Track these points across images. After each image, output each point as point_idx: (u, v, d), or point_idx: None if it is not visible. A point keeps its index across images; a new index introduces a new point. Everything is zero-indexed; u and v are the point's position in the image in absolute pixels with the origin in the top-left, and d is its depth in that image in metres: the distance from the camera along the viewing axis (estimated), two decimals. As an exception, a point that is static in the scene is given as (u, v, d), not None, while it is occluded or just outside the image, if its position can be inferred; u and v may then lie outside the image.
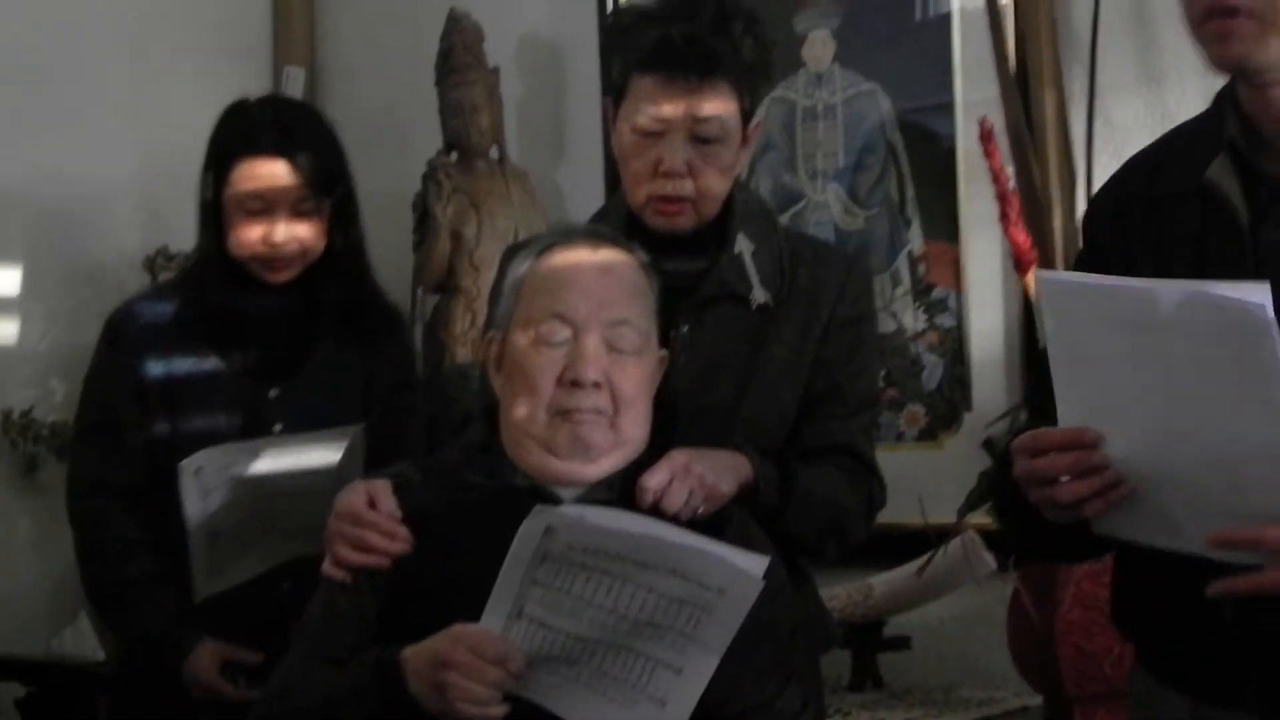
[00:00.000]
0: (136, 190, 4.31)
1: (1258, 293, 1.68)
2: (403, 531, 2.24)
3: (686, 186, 2.49)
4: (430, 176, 4.04)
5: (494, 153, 4.14)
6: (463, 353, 3.99)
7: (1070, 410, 1.88)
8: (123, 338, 3.00)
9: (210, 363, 2.97)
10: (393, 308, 3.21)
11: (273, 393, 2.97)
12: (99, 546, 2.97)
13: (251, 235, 2.92)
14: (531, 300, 2.28)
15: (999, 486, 2.19)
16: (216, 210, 2.96)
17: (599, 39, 4.07)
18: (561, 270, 2.29)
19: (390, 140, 4.38)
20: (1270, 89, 1.94)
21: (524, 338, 2.27)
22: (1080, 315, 1.84)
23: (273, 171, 2.91)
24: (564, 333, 2.24)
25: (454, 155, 4.11)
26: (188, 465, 2.77)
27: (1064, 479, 1.87)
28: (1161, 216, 2.04)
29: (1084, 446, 1.85)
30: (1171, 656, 2.03)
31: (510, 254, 2.56)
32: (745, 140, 2.55)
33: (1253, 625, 1.87)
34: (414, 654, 2.07)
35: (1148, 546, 1.89)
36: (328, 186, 2.95)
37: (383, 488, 2.29)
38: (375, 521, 2.24)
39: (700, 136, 2.48)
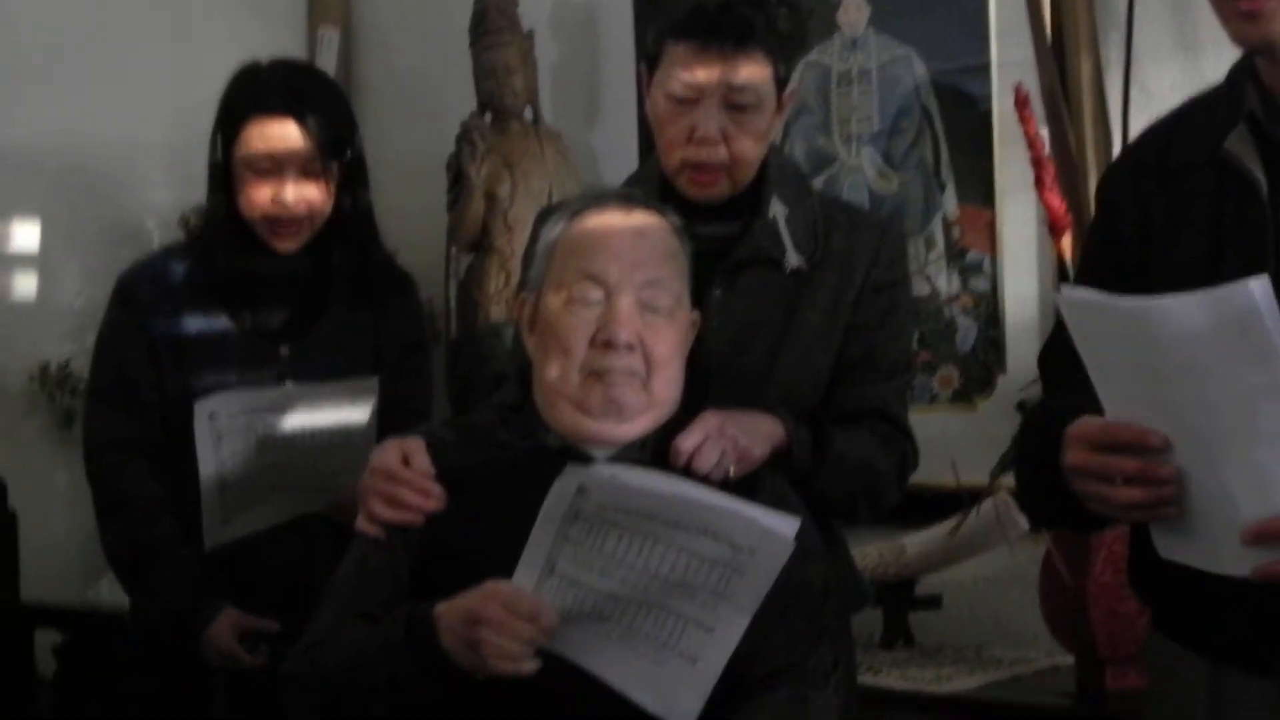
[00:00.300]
0: (171, 149, 4.33)
1: (1252, 282, 1.67)
2: (436, 489, 2.25)
3: (720, 153, 2.49)
4: (464, 137, 4.05)
5: (528, 114, 4.15)
6: (496, 312, 4.00)
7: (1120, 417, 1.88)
8: (134, 298, 3.02)
9: (221, 322, 2.99)
10: (402, 271, 3.22)
11: (284, 351, 2.99)
12: (118, 507, 2.98)
13: (261, 195, 2.93)
14: (565, 262, 2.29)
15: (1023, 457, 2.19)
16: (226, 171, 2.97)
17: (633, 3, 4.08)
18: (595, 232, 2.30)
19: (424, 102, 4.40)
20: None
21: (557, 299, 2.28)
22: (1102, 331, 1.84)
23: (283, 132, 2.92)
24: (597, 294, 2.25)
25: (488, 116, 4.12)
26: (202, 408, 2.78)
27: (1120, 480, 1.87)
28: (1177, 186, 2.04)
29: (1151, 451, 1.84)
30: (1190, 619, 2.03)
31: (543, 216, 2.56)
32: (780, 107, 2.54)
33: (1278, 590, 1.85)
34: (447, 610, 2.08)
35: (1197, 570, 1.89)
36: (337, 149, 2.96)
37: (417, 446, 2.31)
38: (409, 479, 2.26)
39: (735, 104, 2.48)
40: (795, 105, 2.66)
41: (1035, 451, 2.05)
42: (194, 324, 2.97)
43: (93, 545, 4.09)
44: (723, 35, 2.45)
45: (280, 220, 2.94)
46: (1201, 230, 2.00)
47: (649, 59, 2.57)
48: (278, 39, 4.51)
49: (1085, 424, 1.91)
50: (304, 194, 2.93)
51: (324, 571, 2.86)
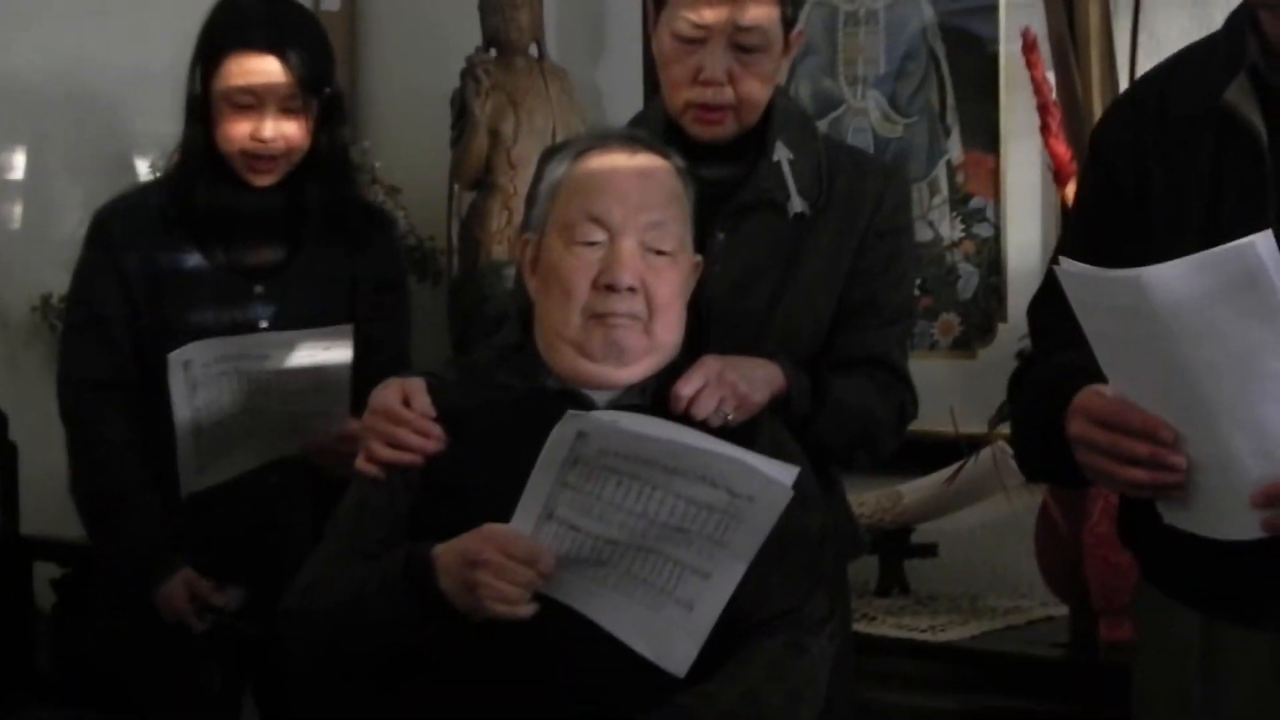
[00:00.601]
0: (171, 77, 4.26)
1: (1256, 239, 1.66)
2: (436, 430, 2.26)
3: (727, 94, 2.48)
4: (469, 73, 4.02)
5: (533, 50, 4.12)
6: (498, 250, 3.99)
7: (1123, 393, 1.87)
8: (107, 235, 3.01)
9: (195, 259, 2.98)
10: (379, 208, 3.23)
11: (258, 289, 2.98)
12: (89, 448, 2.99)
13: (239, 130, 2.92)
14: (568, 203, 2.29)
15: (1021, 412, 2.18)
16: (204, 104, 2.96)
17: (641, -61, 4.06)
18: (598, 174, 2.29)
19: (429, 36, 4.37)
20: None
21: (559, 241, 2.27)
22: (1101, 303, 1.82)
23: (264, 67, 2.91)
24: (600, 236, 2.24)
25: (493, 52, 4.09)
26: (176, 358, 2.77)
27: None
28: (1176, 137, 2.02)
29: (1161, 442, 1.82)
30: (1182, 573, 2.02)
31: (547, 157, 2.55)
32: (787, 48, 2.53)
33: (1275, 541, 1.84)
34: (445, 551, 2.09)
35: (1204, 536, 1.88)
36: (317, 86, 2.95)
37: (417, 386, 2.31)
38: (409, 419, 2.26)
39: (741, 45, 2.46)
40: (801, 46, 2.64)
41: (1035, 408, 2.04)
42: (168, 260, 2.97)
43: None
44: None
45: (258, 155, 2.94)
46: (1201, 182, 1.98)
47: None
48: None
49: (1093, 398, 1.90)
50: (283, 130, 2.93)
51: (298, 513, 2.90)
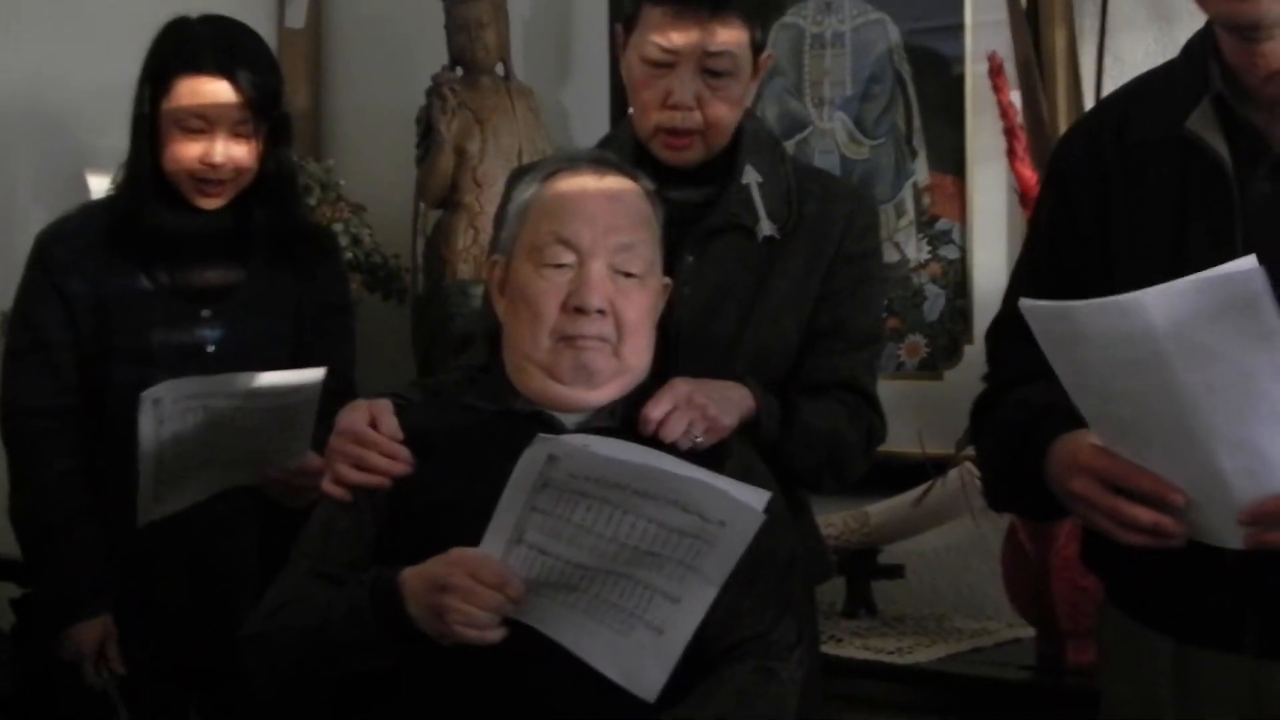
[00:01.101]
0: (126, 99, 4.28)
1: (1244, 264, 1.66)
2: (404, 452, 2.25)
3: (695, 119, 2.48)
4: (435, 91, 4.01)
5: (499, 70, 4.12)
6: (464, 269, 3.98)
7: (1104, 431, 1.86)
8: (51, 258, 2.98)
9: (141, 281, 2.96)
10: (325, 231, 3.23)
11: (205, 312, 2.96)
12: (30, 476, 2.96)
13: (189, 153, 2.91)
14: (536, 225, 2.28)
15: (993, 448, 2.17)
16: (152, 125, 2.94)
17: (606, -40, 4.06)
18: (567, 196, 2.29)
19: (394, 54, 4.36)
20: (1265, 42, 1.91)
21: (528, 263, 2.27)
22: (1073, 336, 1.81)
23: (215, 90, 2.90)
24: (569, 258, 2.24)
25: (459, 71, 4.09)
26: (148, 395, 2.73)
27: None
28: (1138, 164, 2.02)
29: (1171, 506, 1.82)
30: (1152, 597, 2.01)
31: (515, 178, 2.55)
32: (755, 72, 2.54)
33: (1251, 561, 1.84)
34: (412, 575, 2.08)
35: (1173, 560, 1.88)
36: (266, 109, 2.94)
37: (384, 407, 2.30)
38: (377, 441, 2.25)
39: (710, 69, 2.47)
40: (770, 69, 2.64)
41: (1006, 446, 2.04)
42: (112, 283, 2.94)
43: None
44: (700, 1, 2.43)
45: (207, 179, 2.93)
46: (1165, 211, 1.98)
47: (625, 20, 2.55)
48: (248, -12, 4.48)
49: (1096, 456, 1.88)
50: (232, 153, 2.91)
51: (246, 539, 2.90)
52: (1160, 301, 1.70)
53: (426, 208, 4.10)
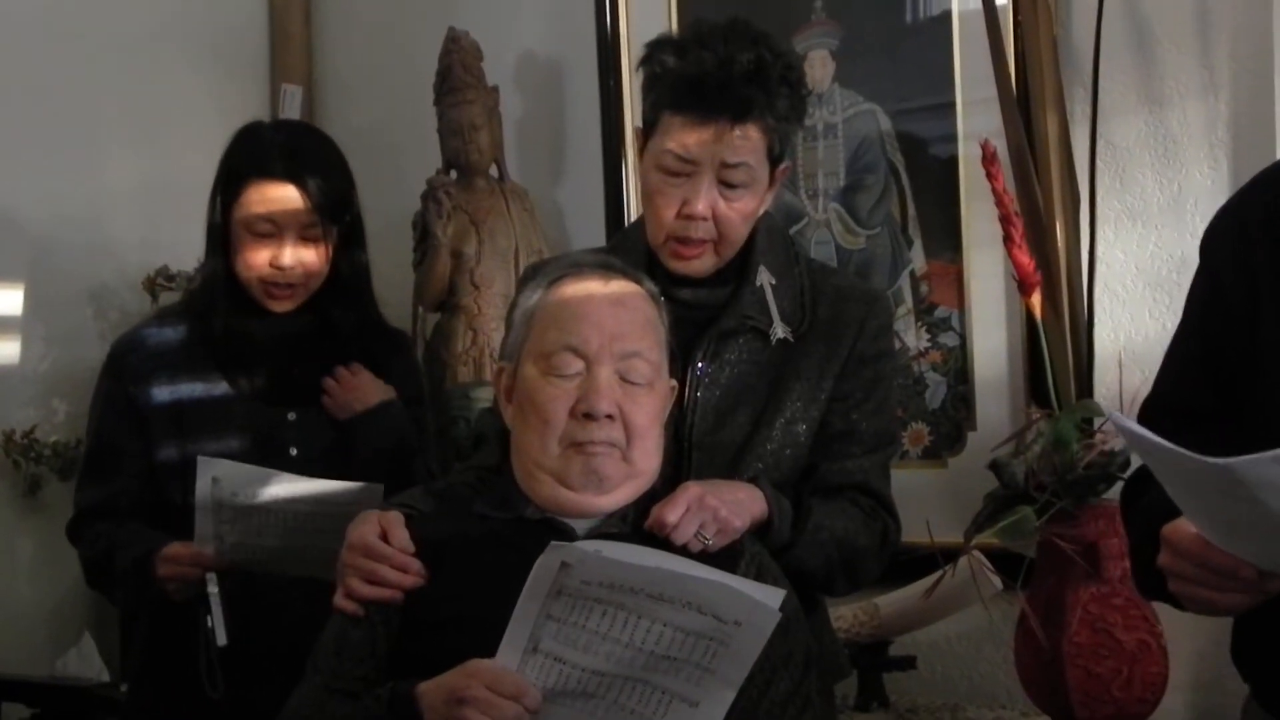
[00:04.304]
0: (137, 210, 4.31)
1: None
2: (415, 565, 2.24)
3: (708, 229, 2.49)
4: (430, 195, 4.03)
5: (493, 171, 4.14)
6: (464, 371, 3.98)
7: (1202, 527, 1.86)
8: (126, 367, 3.02)
9: (220, 387, 3.00)
10: (396, 329, 3.24)
11: (290, 416, 2.99)
12: (102, 562, 2.98)
13: (258, 258, 2.95)
14: (543, 332, 2.29)
15: (1134, 535, 2.17)
16: (225, 232, 2.98)
17: (598, 59, 4.08)
18: (573, 302, 2.30)
19: (388, 159, 4.38)
20: None
21: (535, 369, 2.28)
22: (1166, 468, 1.81)
23: (283, 195, 2.94)
24: (576, 365, 2.25)
25: (453, 174, 4.11)
26: (205, 464, 2.74)
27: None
28: None
29: (1243, 579, 1.84)
30: None
31: (526, 278, 2.55)
32: (772, 183, 2.54)
33: None
34: (429, 689, 2.07)
35: None
36: (335, 213, 2.98)
37: (395, 520, 2.30)
38: (388, 554, 2.25)
39: (727, 181, 2.47)
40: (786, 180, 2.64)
41: (1146, 532, 2.02)
42: (192, 389, 2.98)
43: (60, 616, 4.08)
44: (720, 111, 2.43)
45: (276, 283, 2.96)
46: None
47: (644, 125, 2.55)
48: (242, 97, 4.51)
49: (1181, 532, 1.89)
50: (301, 257, 2.96)
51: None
52: (1252, 469, 1.67)
53: (425, 311, 4.10)
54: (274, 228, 2.94)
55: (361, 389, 3.04)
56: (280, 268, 2.95)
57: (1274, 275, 2.02)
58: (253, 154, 2.99)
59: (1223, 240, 2.14)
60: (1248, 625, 2.09)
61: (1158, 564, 1.92)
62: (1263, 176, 2.16)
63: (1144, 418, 2.22)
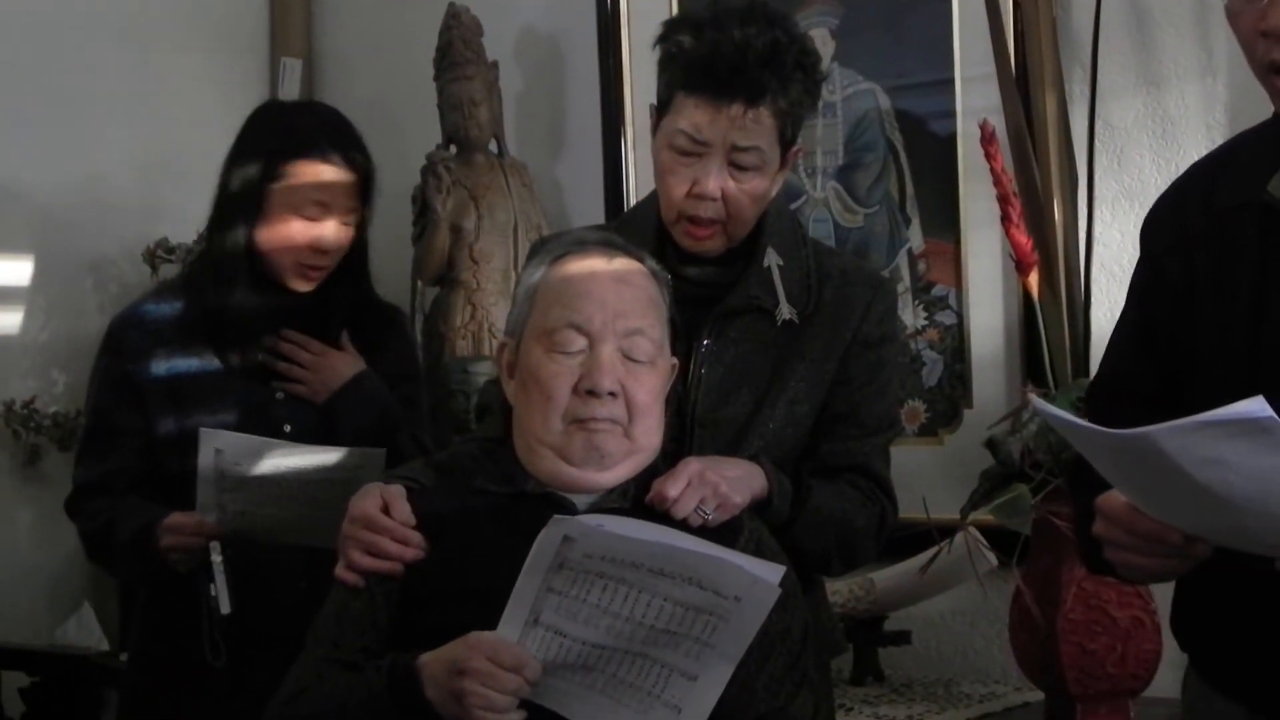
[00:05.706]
0: (136, 182, 4.32)
1: (1254, 404, 1.64)
2: (416, 538, 2.25)
3: (718, 209, 2.49)
4: (430, 170, 4.05)
5: (493, 147, 4.15)
6: (462, 345, 4.00)
7: (1134, 499, 1.89)
8: (124, 344, 3.02)
9: (215, 363, 2.99)
10: (391, 305, 3.24)
11: (279, 394, 2.99)
12: (102, 538, 2.98)
13: (300, 234, 2.94)
14: (546, 309, 2.30)
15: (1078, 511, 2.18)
16: (256, 204, 2.96)
17: (598, 35, 4.09)
18: (576, 279, 2.31)
19: (388, 134, 4.36)
20: None
21: (538, 346, 2.28)
22: (1094, 447, 1.84)
23: (336, 175, 2.95)
24: (579, 342, 2.26)
25: (453, 149, 4.12)
26: (208, 435, 2.76)
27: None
28: (1222, 228, 2.03)
29: (1170, 544, 1.87)
30: (1229, 665, 2.04)
31: (528, 258, 2.56)
32: (783, 165, 2.54)
33: None
34: (430, 660, 2.09)
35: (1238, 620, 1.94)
36: (369, 193, 2.99)
37: (396, 493, 2.31)
38: (389, 527, 2.26)
39: (738, 163, 2.47)
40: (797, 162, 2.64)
41: (1086, 508, 2.05)
42: (187, 365, 2.98)
43: (59, 585, 4.10)
44: (734, 94, 2.42)
45: (313, 264, 2.96)
46: (1248, 275, 1.98)
47: (658, 103, 2.54)
48: (241, 70, 4.53)
49: (1115, 508, 1.92)
50: (340, 238, 2.96)
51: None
52: (1169, 436, 1.69)
53: (424, 285, 4.12)
54: (322, 208, 2.94)
55: (331, 367, 3.02)
56: (324, 249, 2.95)
57: (1211, 259, 2.04)
58: (296, 130, 2.99)
59: (1161, 227, 2.17)
60: (1185, 596, 2.12)
61: (1092, 532, 1.96)
62: (1199, 165, 2.19)
63: (1090, 400, 2.25)
